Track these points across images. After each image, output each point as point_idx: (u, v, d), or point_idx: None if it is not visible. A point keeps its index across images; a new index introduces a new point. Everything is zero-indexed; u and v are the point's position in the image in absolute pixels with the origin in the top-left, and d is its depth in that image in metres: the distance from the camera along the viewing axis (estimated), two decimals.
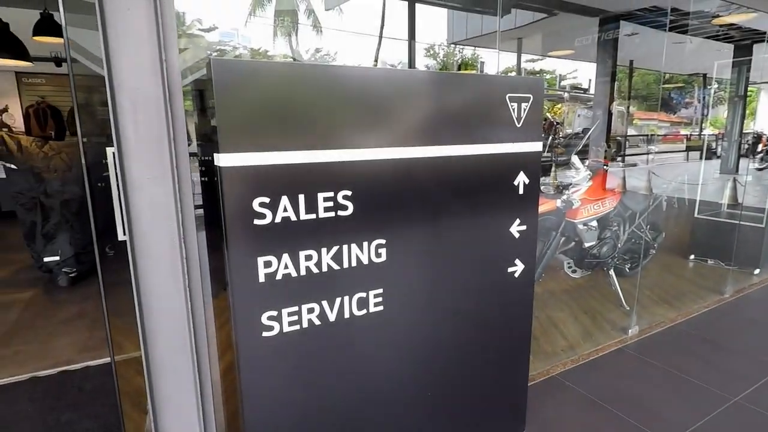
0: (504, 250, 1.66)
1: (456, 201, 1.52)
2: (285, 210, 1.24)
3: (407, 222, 1.45)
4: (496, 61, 4.57)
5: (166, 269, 1.39)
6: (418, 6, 6.21)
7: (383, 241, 1.41)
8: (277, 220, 1.24)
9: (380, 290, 1.44)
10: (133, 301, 1.40)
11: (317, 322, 1.36)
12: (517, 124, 1.58)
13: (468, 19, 8.69)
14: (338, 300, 1.38)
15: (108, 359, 2.63)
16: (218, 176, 1.18)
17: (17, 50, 4.62)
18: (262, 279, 1.25)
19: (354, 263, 1.38)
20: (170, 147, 1.31)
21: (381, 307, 1.45)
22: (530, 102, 1.58)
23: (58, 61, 7.00)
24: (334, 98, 1.28)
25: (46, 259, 3.54)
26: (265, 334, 1.28)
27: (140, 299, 1.39)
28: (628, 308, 3.21)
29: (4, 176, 5.95)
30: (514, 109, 1.56)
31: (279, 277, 1.27)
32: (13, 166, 3.74)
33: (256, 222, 1.21)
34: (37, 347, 2.77)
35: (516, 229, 1.67)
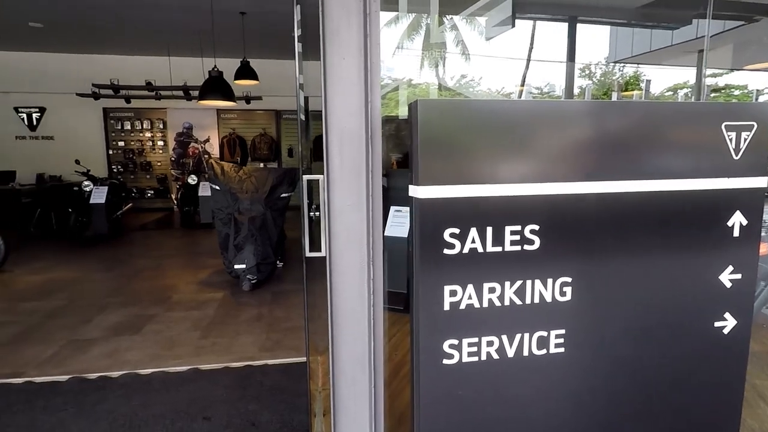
0: (711, 300, 1.44)
1: (654, 241, 1.37)
2: (473, 241, 1.27)
3: (597, 261, 1.36)
4: (664, 79, 4.07)
5: (354, 288, 1.53)
6: (579, 26, 5.89)
7: (569, 280, 1.34)
8: (465, 250, 1.27)
9: (562, 331, 1.37)
10: (327, 311, 1.55)
11: (495, 356, 1.34)
12: (734, 156, 1.37)
13: (634, 35, 7.97)
14: (518, 336, 1.34)
15: (281, 360, 2.96)
16: (413, 207, 1.26)
17: (227, 93, 5.61)
18: (447, 307, 1.28)
19: (537, 299, 1.33)
20: (368, 179, 1.45)
21: (562, 349, 1.37)
22: (753, 131, 1.36)
23: (248, 100, 8.31)
24: (528, 132, 1.28)
25: (235, 266, 4.18)
26: (445, 361, 1.31)
27: (332, 312, 1.54)
28: None
29: (208, 194, 7.24)
30: (731, 140, 1.36)
31: (462, 306, 1.29)
32: (217, 187, 4.52)
33: (446, 252, 1.26)
34: (227, 341, 3.26)
35: (728, 277, 1.43)
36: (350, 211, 1.47)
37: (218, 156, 9.64)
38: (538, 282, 1.33)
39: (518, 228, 1.29)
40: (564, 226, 1.32)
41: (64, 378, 2.71)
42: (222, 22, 6.18)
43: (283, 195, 4.56)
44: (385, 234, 3.60)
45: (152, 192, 9.82)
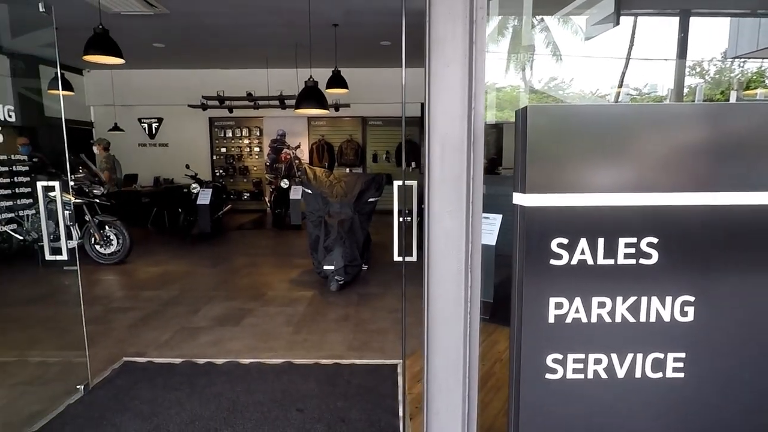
0: None
1: None
2: (582, 253, 1.21)
3: (725, 280, 1.23)
4: None
5: (450, 295, 1.53)
6: (693, 19, 5.37)
7: (691, 299, 1.23)
8: (573, 262, 1.21)
9: (682, 354, 1.25)
10: (424, 316, 1.57)
11: (604, 375, 1.26)
12: None
13: (761, 26, 7.08)
14: (630, 356, 1.25)
15: (367, 361, 3.03)
16: (519, 215, 1.23)
17: (321, 101, 5.91)
18: (551, 320, 1.24)
19: (653, 318, 1.24)
20: (468, 185, 1.45)
21: (681, 374, 1.26)
22: None
23: (337, 107, 8.65)
24: (646, 138, 1.20)
25: (325, 267, 4.36)
26: (548, 376, 1.26)
27: (428, 317, 1.55)
28: None
29: (298, 197, 7.65)
30: None
31: (569, 320, 1.24)
32: (309, 191, 4.77)
33: (552, 262, 1.21)
34: (317, 338, 3.42)
35: None
36: (449, 217, 1.48)
37: (308, 161, 10.16)
38: (655, 299, 1.23)
39: (633, 240, 1.21)
40: (686, 240, 1.22)
41: (178, 361, 3.02)
42: (316, 34, 6.52)
43: (371, 199, 4.69)
44: None
45: (248, 194, 10.60)
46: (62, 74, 6.33)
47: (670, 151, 1.21)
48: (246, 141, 10.52)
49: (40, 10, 2.23)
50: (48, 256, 2.38)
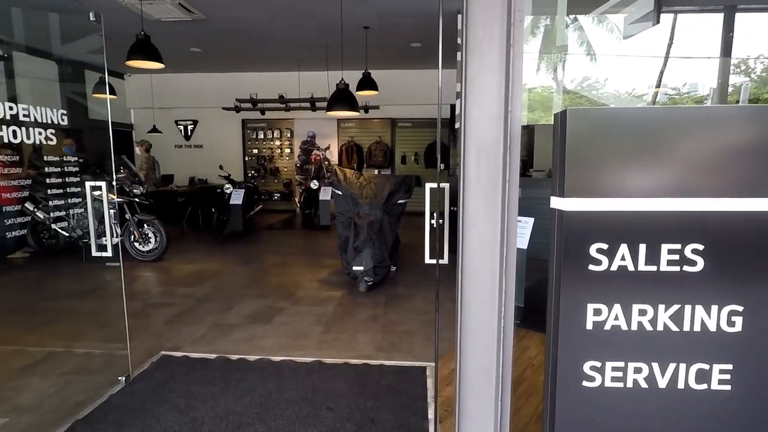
0: None
1: None
2: (623, 258, 1.18)
3: None
4: None
5: (485, 298, 1.52)
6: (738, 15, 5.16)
7: (739, 309, 1.18)
8: (613, 268, 1.19)
9: (729, 366, 1.21)
10: (456, 317, 1.57)
11: (644, 384, 1.23)
12: None
13: None
14: (672, 366, 1.22)
15: (396, 362, 3.04)
16: (557, 219, 1.22)
17: (352, 103, 5.96)
18: (589, 326, 1.22)
19: (697, 328, 1.20)
20: (504, 188, 1.44)
21: (727, 387, 1.21)
22: None
23: (367, 109, 8.71)
24: (691, 141, 1.16)
25: (354, 268, 4.40)
26: (585, 383, 1.24)
27: (461, 321, 1.55)
28: None
29: (327, 198, 7.73)
30: None
31: (607, 327, 1.21)
32: (339, 192, 4.82)
33: (591, 268, 1.19)
34: (347, 338, 3.45)
35: None
36: (484, 220, 1.47)
37: (337, 162, 10.26)
38: (699, 308, 1.19)
39: (677, 247, 1.17)
40: (734, 247, 1.17)
41: (212, 356, 3.10)
42: (347, 36, 6.58)
43: (400, 201, 4.70)
44: None
45: (278, 195, 10.79)
46: (104, 78, 6.63)
47: (717, 155, 1.17)
48: (277, 142, 10.72)
49: (91, 18, 2.34)
50: (94, 252, 2.50)
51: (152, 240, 5.85)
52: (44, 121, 2.04)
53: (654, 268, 1.18)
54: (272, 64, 9.17)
